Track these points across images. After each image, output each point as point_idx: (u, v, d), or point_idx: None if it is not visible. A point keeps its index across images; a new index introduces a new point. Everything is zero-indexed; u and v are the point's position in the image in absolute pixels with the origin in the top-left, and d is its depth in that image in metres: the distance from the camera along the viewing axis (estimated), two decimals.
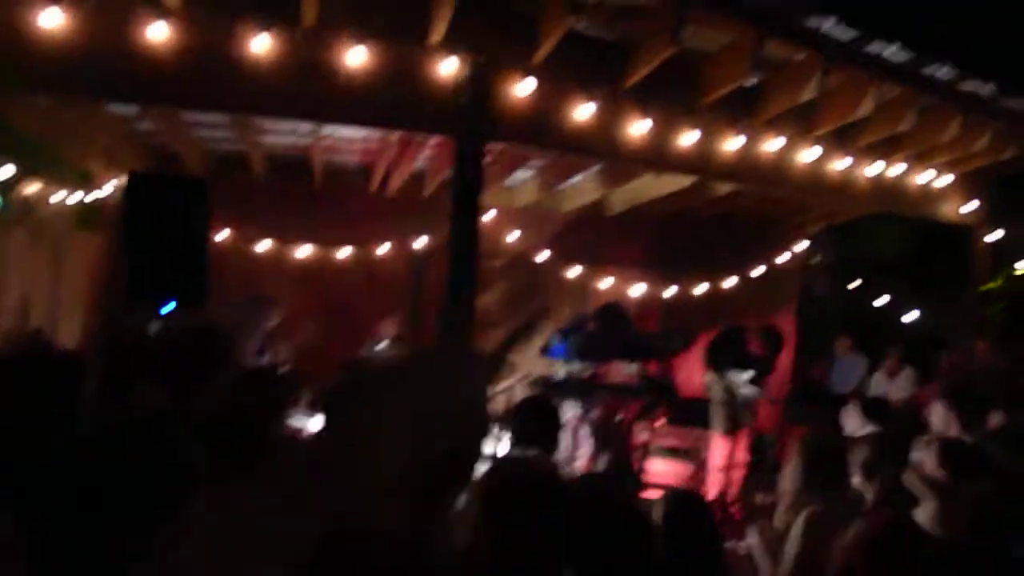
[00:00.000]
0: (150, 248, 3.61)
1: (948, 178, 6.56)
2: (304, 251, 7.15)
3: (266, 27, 3.55)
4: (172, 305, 3.67)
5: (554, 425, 3.24)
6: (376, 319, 6.55)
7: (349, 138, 6.05)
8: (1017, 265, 7.91)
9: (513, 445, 3.21)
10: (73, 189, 5.66)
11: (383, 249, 7.34)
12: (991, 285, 8.08)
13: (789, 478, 3.24)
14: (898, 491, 3.46)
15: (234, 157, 6.61)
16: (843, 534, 2.55)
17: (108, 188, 5.95)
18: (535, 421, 3.16)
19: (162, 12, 3.50)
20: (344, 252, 7.26)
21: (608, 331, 6.45)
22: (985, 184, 6.95)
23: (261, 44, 3.59)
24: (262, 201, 6.97)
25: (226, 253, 6.84)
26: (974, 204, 6.87)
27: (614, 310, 6.56)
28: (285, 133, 5.93)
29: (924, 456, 3.58)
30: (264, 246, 7.05)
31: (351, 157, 6.75)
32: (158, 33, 3.50)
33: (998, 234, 7.00)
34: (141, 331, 3.96)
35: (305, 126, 5.52)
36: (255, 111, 3.92)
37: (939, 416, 4.24)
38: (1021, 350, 8.25)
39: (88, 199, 5.80)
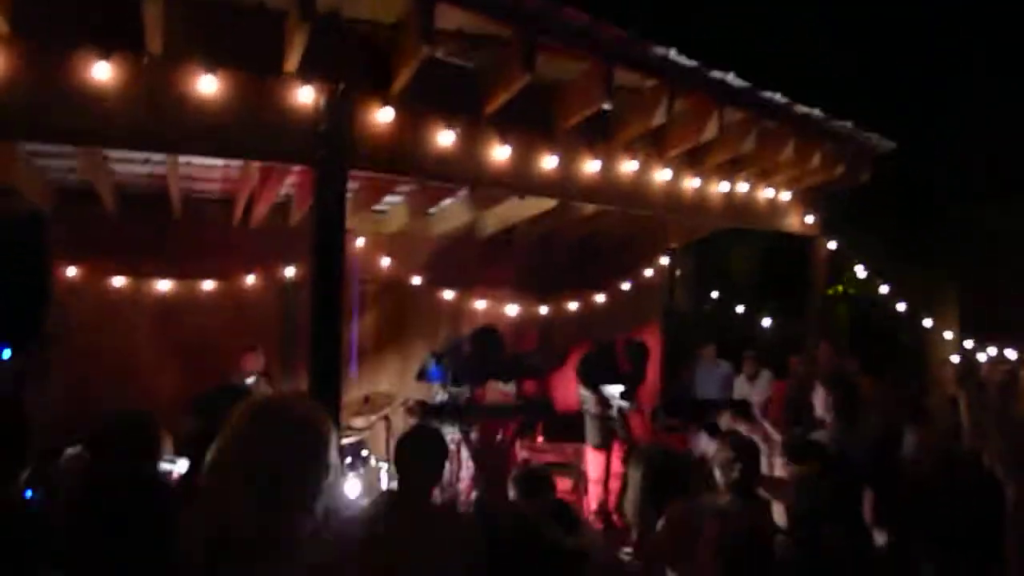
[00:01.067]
0: None
1: (787, 194, 7.10)
2: (163, 286, 6.83)
3: (106, 54, 3.39)
4: (6, 351, 3.42)
5: (443, 456, 3.24)
6: (243, 353, 6.32)
7: (208, 166, 5.85)
8: (856, 269, 8.63)
9: (397, 477, 3.18)
10: None
11: (249, 281, 7.11)
12: (833, 290, 8.78)
13: (631, 491, 3.28)
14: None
15: (82, 190, 6.24)
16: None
17: None
18: (419, 451, 3.13)
19: None
20: (207, 285, 6.99)
21: (483, 353, 6.53)
22: (821, 198, 7.57)
23: (101, 72, 3.42)
24: (116, 234, 6.62)
25: (77, 290, 6.44)
26: (812, 217, 7.46)
27: (488, 333, 6.65)
28: (139, 163, 5.66)
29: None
30: (119, 281, 6.67)
31: (211, 186, 6.52)
32: None
33: (833, 244, 7.64)
34: None
35: (159, 155, 5.29)
36: (99, 142, 3.73)
37: (820, 400, 4.54)
38: (864, 349, 9.00)
39: None
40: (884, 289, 7.99)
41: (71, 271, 6.40)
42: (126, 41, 3.50)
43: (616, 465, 7.05)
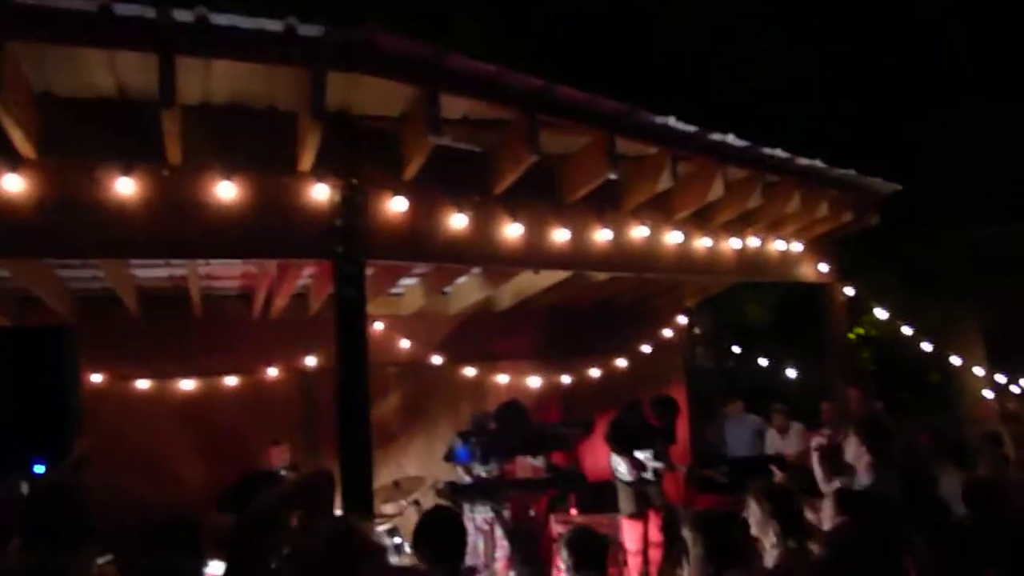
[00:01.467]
0: (12, 406, 3.40)
1: (799, 245, 7.13)
2: (186, 385, 6.88)
3: (127, 169, 3.52)
4: (42, 465, 3.44)
5: (459, 536, 3.21)
6: (268, 446, 6.31)
7: (227, 265, 5.97)
8: (876, 312, 8.59)
9: (420, 560, 3.15)
10: None
11: (271, 373, 7.15)
12: (854, 333, 8.70)
13: (692, 558, 3.29)
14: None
15: (104, 296, 6.36)
16: None
17: None
18: (438, 535, 3.12)
19: (15, 163, 3.42)
20: (230, 381, 7.03)
21: (509, 428, 6.48)
22: (834, 245, 7.61)
23: (124, 186, 3.54)
24: (138, 338, 6.71)
25: (102, 396, 6.49)
26: (826, 266, 7.47)
27: (513, 407, 6.61)
28: (158, 267, 5.79)
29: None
30: (143, 384, 6.73)
31: (230, 284, 6.63)
32: (12, 185, 3.41)
33: (850, 290, 7.63)
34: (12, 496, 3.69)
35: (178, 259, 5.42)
36: (123, 255, 3.83)
37: (852, 449, 4.46)
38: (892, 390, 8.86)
39: None
40: (907, 330, 7.93)
41: (96, 377, 6.46)
42: (145, 154, 3.64)
43: (654, 534, 6.90)
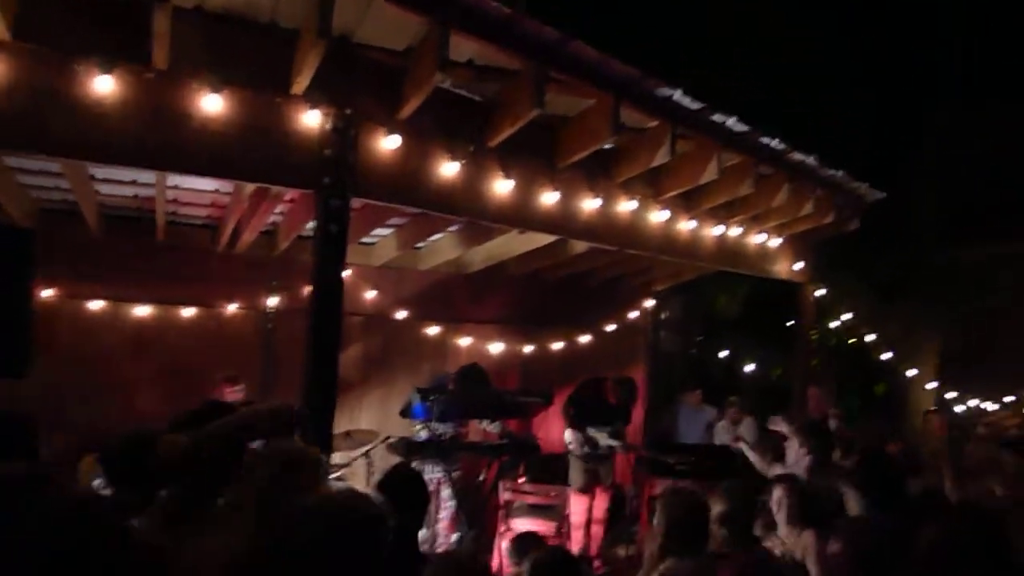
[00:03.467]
0: None
1: (777, 240, 7.14)
2: (142, 311, 6.62)
3: (108, 66, 3.28)
4: None
5: (422, 495, 3.12)
6: (222, 383, 6.11)
7: (196, 191, 5.71)
8: (832, 323, 8.68)
9: None
10: None
11: (231, 309, 6.93)
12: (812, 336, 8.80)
13: (651, 535, 3.29)
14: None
15: (65, 209, 6.06)
16: None
17: None
18: (403, 491, 3.03)
19: None
20: (187, 312, 6.79)
21: (468, 391, 6.40)
22: (810, 246, 7.64)
23: (103, 84, 3.30)
24: (96, 256, 6.42)
25: (55, 312, 6.21)
26: (801, 264, 7.50)
27: (473, 371, 6.53)
28: (124, 184, 5.50)
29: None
30: (98, 305, 6.45)
31: (198, 211, 6.37)
32: None
33: (821, 291, 7.68)
34: None
35: (146, 176, 5.15)
36: (97, 158, 3.58)
37: (793, 451, 4.48)
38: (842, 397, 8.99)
39: None
40: (870, 337, 8.03)
41: (47, 292, 6.17)
42: (131, 54, 3.39)
43: (598, 511, 6.91)
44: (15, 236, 3.57)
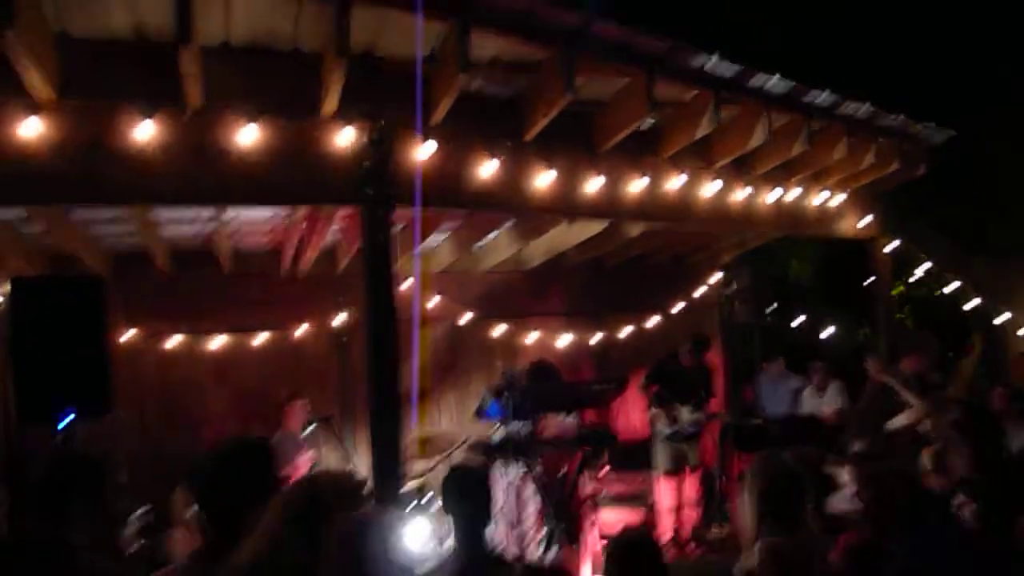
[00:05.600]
0: (41, 356, 3.35)
1: (841, 197, 6.86)
2: (219, 341, 6.87)
3: (149, 113, 3.41)
4: (70, 416, 3.40)
5: (485, 494, 3.12)
6: (285, 404, 6.26)
7: (254, 220, 5.89)
8: (915, 271, 8.29)
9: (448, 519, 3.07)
10: None
11: (302, 330, 7.11)
12: (896, 291, 8.42)
13: (744, 513, 3.17)
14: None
15: (136, 253, 6.34)
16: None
17: None
18: (464, 493, 3.04)
19: (33, 107, 3.33)
20: (261, 338, 7.00)
21: (539, 387, 6.39)
22: (876, 198, 7.31)
23: (145, 131, 3.44)
24: (170, 295, 6.70)
25: (137, 352, 6.51)
26: (869, 219, 7.19)
27: (543, 366, 6.52)
28: (186, 223, 5.73)
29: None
30: (176, 340, 6.73)
31: (258, 240, 6.57)
32: (31, 129, 3.32)
33: (895, 244, 7.34)
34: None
35: (206, 213, 5.34)
36: (147, 200, 3.74)
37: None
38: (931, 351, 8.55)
39: None
40: (954, 285, 7.63)
41: (129, 333, 6.47)
42: (168, 96, 3.52)
43: (691, 492, 6.80)
44: (88, 285, 3.75)
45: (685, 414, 6.66)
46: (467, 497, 3.02)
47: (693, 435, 6.76)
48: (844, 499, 3.64)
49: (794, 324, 9.30)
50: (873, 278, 7.54)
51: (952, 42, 10.86)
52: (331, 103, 3.76)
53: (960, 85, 10.47)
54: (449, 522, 3.10)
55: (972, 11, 10.68)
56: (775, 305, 9.68)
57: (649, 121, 4.66)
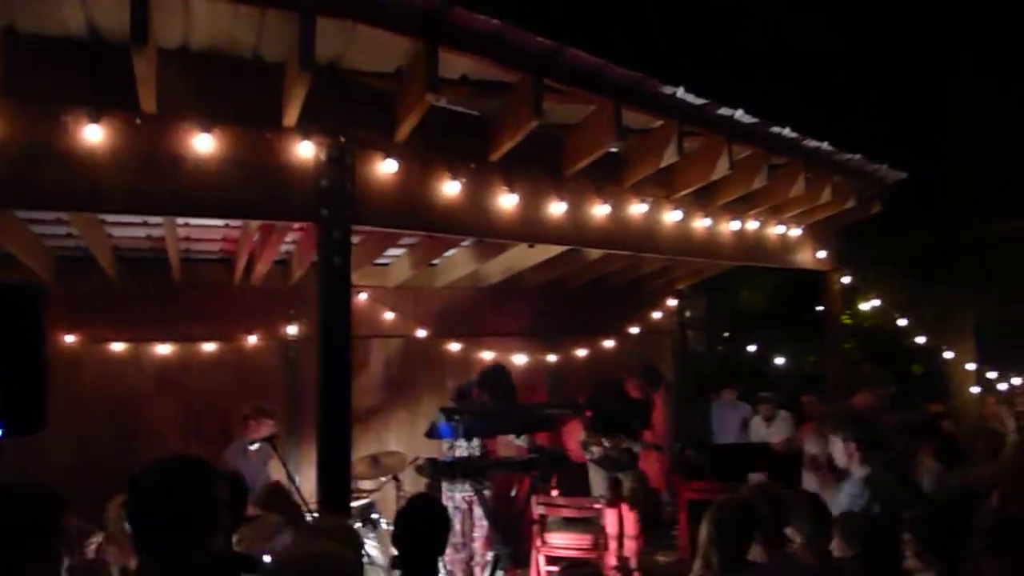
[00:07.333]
0: None
1: (798, 230, 6.96)
2: (165, 349, 6.63)
3: (97, 116, 3.26)
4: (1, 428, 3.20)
5: (445, 524, 3.04)
6: (250, 417, 6.08)
7: (207, 227, 5.71)
8: (861, 305, 8.46)
9: (400, 551, 2.97)
10: None
11: (251, 341, 6.92)
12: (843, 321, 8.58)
13: (700, 546, 3.21)
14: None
15: (81, 256, 6.09)
16: None
17: None
18: (422, 525, 2.95)
19: None
20: (209, 347, 6.79)
21: (494, 393, 6.31)
22: (832, 232, 7.44)
23: (93, 134, 3.28)
24: (115, 300, 6.45)
25: (78, 357, 6.25)
26: (824, 252, 7.31)
27: (496, 371, 6.44)
28: (136, 226, 5.52)
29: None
30: (120, 347, 6.48)
31: (210, 247, 6.37)
32: None
33: (847, 278, 7.48)
34: None
35: (156, 218, 5.15)
36: (92, 207, 3.57)
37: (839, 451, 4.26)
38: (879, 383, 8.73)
39: None
40: (902, 322, 7.80)
41: (70, 339, 6.21)
42: (118, 100, 3.37)
43: (629, 526, 6.75)
44: (24, 293, 3.55)
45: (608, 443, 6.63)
46: (427, 529, 2.93)
47: (627, 463, 6.71)
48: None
49: (746, 353, 9.41)
50: (822, 308, 7.68)
51: (912, 78, 11.16)
52: (292, 115, 3.65)
53: (919, 126, 10.75)
54: (398, 551, 3.00)
55: (932, 48, 10.99)
56: (728, 333, 9.80)
57: (614, 148, 4.64)
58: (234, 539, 3.20)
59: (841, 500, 3.88)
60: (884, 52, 11.14)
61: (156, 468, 2.13)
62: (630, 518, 6.70)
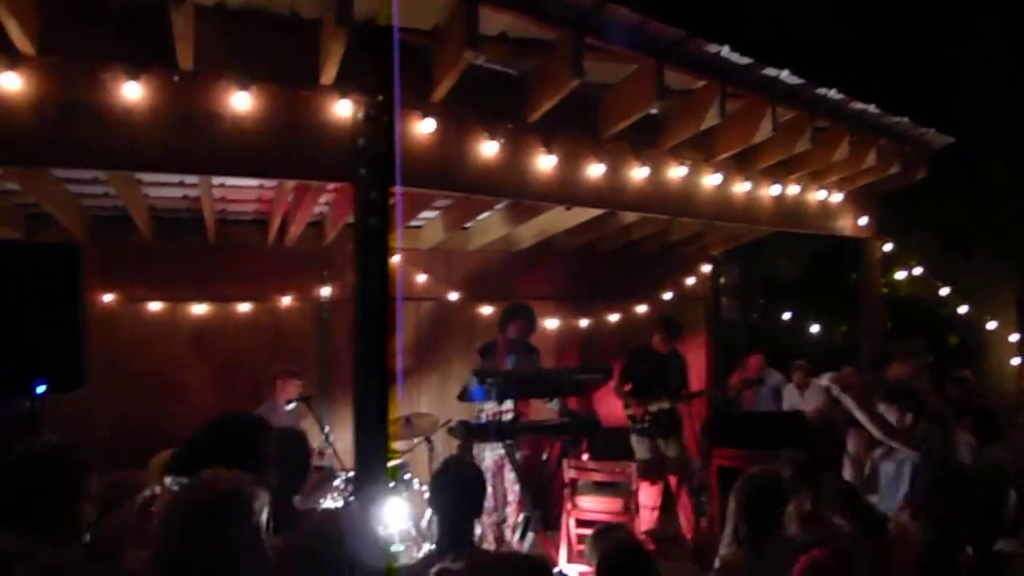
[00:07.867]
0: (11, 326, 3.20)
1: (839, 196, 6.79)
2: (200, 309, 6.69)
3: (135, 73, 3.22)
4: (41, 386, 3.26)
5: (481, 489, 3.02)
6: (279, 377, 6.13)
7: (242, 187, 5.70)
8: (897, 275, 8.28)
9: (437, 514, 2.97)
10: None
11: (285, 302, 6.96)
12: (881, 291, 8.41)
13: (728, 517, 3.20)
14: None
15: (118, 216, 6.13)
16: None
17: None
18: (461, 487, 2.94)
19: (13, 61, 3.13)
20: (244, 307, 6.84)
21: (518, 328, 6.33)
22: (874, 199, 7.25)
23: (131, 91, 3.25)
24: (151, 260, 6.51)
25: (114, 317, 6.33)
26: (865, 219, 7.13)
27: (518, 308, 6.45)
28: (172, 186, 5.53)
29: None
30: (156, 307, 6.55)
31: (245, 208, 6.38)
32: (10, 83, 3.13)
33: (888, 246, 7.30)
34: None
35: (192, 177, 5.15)
36: (130, 166, 3.56)
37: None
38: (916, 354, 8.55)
39: None
40: (944, 291, 7.61)
41: (107, 298, 6.28)
42: (156, 58, 3.34)
43: (682, 495, 6.74)
44: (60, 253, 3.58)
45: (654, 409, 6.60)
46: (464, 492, 2.92)
47: (669, 426, 6.68)
48: None
49: (780, 321, 9.28)
50: (855, 277, 7.51)
51: (943, 51, 10.81)
52: (329, 74, 3.59)
53: (955, 95, 10.42)
54: (433, 513, 3.01)
55: (938, 40, 10.65)
56: (763, 301, 9.67)
57: (655, 110, 4.52)
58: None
59: (887, 470, 3.82)
60: (890, 44, 10.78)
61: (214, 423, 2.23)
62: (655, 489, 6.70)
